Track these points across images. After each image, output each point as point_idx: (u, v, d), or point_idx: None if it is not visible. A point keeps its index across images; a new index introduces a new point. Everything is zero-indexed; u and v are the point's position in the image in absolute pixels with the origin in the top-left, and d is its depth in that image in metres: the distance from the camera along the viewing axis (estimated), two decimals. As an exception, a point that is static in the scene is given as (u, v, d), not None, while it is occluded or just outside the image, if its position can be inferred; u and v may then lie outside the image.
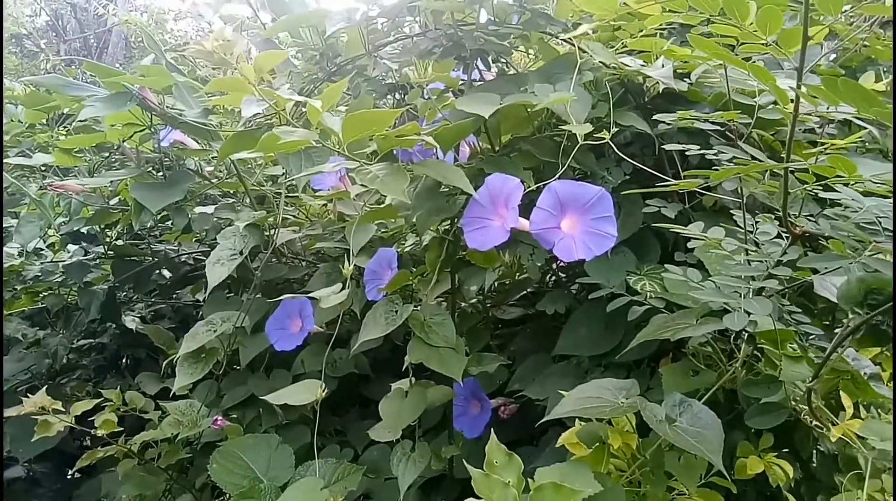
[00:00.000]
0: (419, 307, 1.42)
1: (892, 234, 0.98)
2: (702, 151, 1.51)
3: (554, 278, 1.93)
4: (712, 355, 1.24)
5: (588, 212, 1.17)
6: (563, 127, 1.26)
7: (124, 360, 2.56)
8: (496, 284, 1.92)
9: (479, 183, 1.27)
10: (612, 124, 1.29)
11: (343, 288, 1.32)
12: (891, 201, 1.01)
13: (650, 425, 1.03)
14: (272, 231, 1.72)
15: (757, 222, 1.16)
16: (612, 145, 1.25)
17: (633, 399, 1.09)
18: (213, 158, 1.94)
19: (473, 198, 1.25)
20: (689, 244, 1.38)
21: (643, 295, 1.33)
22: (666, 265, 1.26)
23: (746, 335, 1.16)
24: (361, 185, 1.38)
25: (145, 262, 2.09)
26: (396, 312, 1.38)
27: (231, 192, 2.08)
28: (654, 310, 1.30)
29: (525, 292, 1.91)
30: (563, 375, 1.51)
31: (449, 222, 1.52)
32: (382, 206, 1.53)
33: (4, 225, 2.02)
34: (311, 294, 1.35)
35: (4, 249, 2.05)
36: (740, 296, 1.08)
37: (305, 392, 1.33)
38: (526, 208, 1.19)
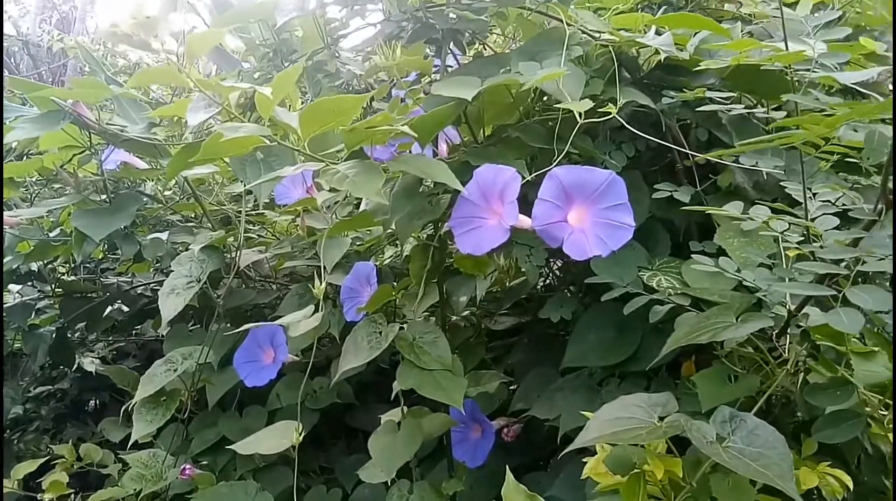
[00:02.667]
0: (406, 326, 1.21)
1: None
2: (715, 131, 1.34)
3: (547, 281, 1.73)
4: (755, 356, 1.04)
5: (598, 200, 0.97)
6: (559, 106, 1.06)
7: (90, 405, 2.32)
8: (485, 292, 1.72)
9: (466, 178, 1.07)
10: (614, 99, 1.10)
11: (316, 311, 1.11)
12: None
13: (700, 448, 0.84)
14: (235, 253, 1.50)
15: (814, 196, 0.96)
16: (621, 120, 1.06)
17: (673, 418, 0.89)
18: (161, 177, 1.72)
19: (462, 195, 1.05)
20: (719, 232, 1.20)
21: (663, 293, 1.14)
22: (694, 256, 1.07)
23: (801, 330, 0.97)
24: (330, 190, 1.18)
25: (97, 298, 1.86)
26: (380, 333, 1.17)
27: (193, 215, 1.86)
28: (678, 309, 1.11)
29: (519, 299, 1.70)
30: (573, 389, 1.31)
31: (433, 226, 1.32)
32: (355, 215, 1.31)
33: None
34: (279, 320, 1.14)
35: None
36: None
37: (279, 437, 1.12)
38: (520, 205, 0.99)
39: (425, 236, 1.32)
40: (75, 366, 2.07)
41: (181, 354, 1.42)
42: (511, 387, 1.66)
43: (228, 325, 1.82)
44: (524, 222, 1.01)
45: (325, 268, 1.60)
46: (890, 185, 0.84)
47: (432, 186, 1.22)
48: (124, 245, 1.54)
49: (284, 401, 1.62)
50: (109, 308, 1.99)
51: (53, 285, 1.82)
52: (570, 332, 1.48)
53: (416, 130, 1.10)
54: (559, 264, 1.60)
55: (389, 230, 1.25)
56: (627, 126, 1.09)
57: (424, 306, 1.35)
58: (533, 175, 1.06)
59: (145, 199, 1.67)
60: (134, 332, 2.08)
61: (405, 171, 1.09)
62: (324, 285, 1.13)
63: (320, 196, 1.17)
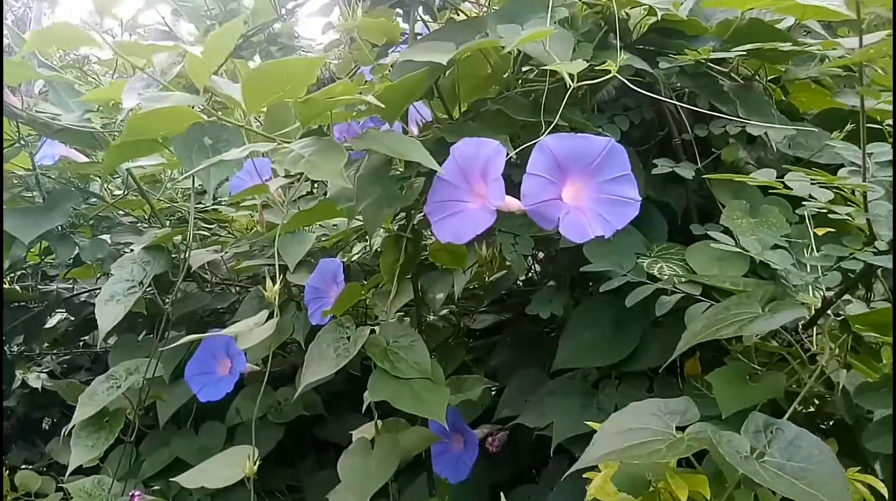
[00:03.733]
0: (378, 328, 1.05)
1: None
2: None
3: (528, 274, 1.57)
4: (780, 350, 0.89)
5: (597, 173, 0.82)
6: (548, 67, 0.90)
7: (42, 424, 2.11)
8: (462, 288, 1.56)
9: (442, 157, 0.91)
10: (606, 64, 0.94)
11: (270, 317, 0.94)
12: None
13: (733, 463, 0.68)
14: (186, 253, 1.32)
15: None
16: (624, 80, 0.91)
17: (696, 429, 0.74)
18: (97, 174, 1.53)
19: (438, 176, 0.89)
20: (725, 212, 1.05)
21: (667, 281, 0.99)
22: (709, 234, 0.92)
23: (840, 320, 0.82)
24: (286, 175, 1.01)
25: (35, 307, 1.66)
26: (348, 338, 1.00)
27: (144, 214, 1.67)
28: (688, 300, 0.96)
29: (500, 295, 1.55)
30: (566, 393, 1.15)
31: (405, 214, 1.16)
32: (315, 205, 1.15)
33: None
34: (227, 330, 0.96)
35: None
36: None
37: (233, 465, 0.95)
38: (506, 187, 0.84)
39: (397, 226, 1.16)
40: (19, 382, 1.87)
41: (125, 368, 1.24)
42: (493, 391, 1.51)
43: (184, 333, 1.65)
44: (512, 203, 0.86)
45: (276, 268, 1.46)
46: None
47: (403, 168, 1.06)
48: (59, 247, 1.36)
49: (245, 415, 1.44)
50: (56, 318, 1.79)
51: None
52: (556, 329, 1.32)
53: (384, 101, 0.94)
54: (541, 256, 1.44)
55: (357, 222, 1.08)
56: (635, 87, 0.93)
57: (398, 305, 1.19)
58: (518, 150, 0.90)
59: (86, 196, 1.48)
60: (81, 343, 1.88)
61: (371, 149, 0.93)
62: (277, 287, 0.96)
63: (275, 183, 1.00)
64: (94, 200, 1.52)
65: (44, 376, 1.90)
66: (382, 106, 0.87)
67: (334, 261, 1.34)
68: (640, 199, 0.82)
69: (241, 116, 0.89)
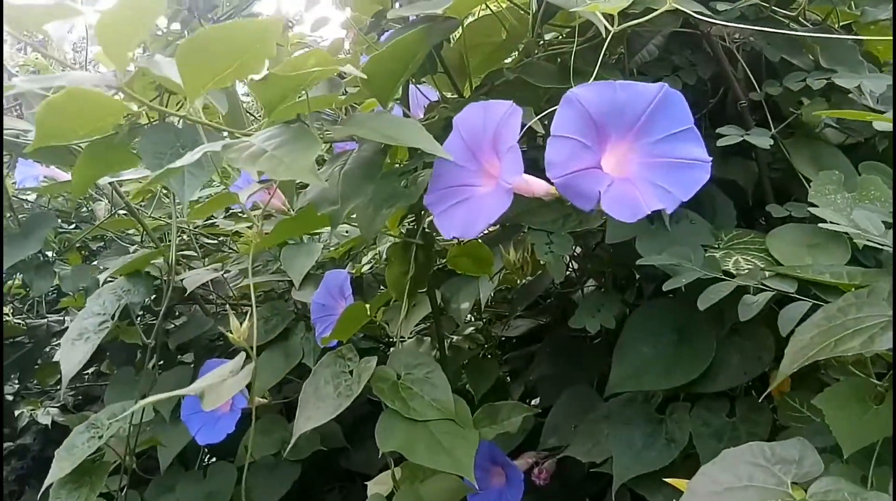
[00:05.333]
0: (392, 352, 0.83)
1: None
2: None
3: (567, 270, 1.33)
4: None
5: (647, 130, 0.59)
6: (578, 10, 0.68)
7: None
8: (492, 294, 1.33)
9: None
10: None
11: (248, 361, 0.74)
12: None
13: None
14: (169, 275, 1.13)
15: None
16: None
17: (824, 486, 0.50)
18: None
19: (439, 158, 0.67)
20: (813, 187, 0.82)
21: (752, 276, 0.75)
22: (815, 210, 0.69)
23: None
24: (258, 180, 0.81)
25: (28, 342, 1.50)
26: (351, 372, 0.79)
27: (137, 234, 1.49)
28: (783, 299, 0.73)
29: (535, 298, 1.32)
30: (625, 418, 0.92)
31: (414, 215, 0.94)
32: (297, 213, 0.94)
33: None
34: (190, 389, 0.75)
35: None
36: None
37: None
38: (528, 168, 0.62)
39: (405, 229, 0.95)
40: (28, 419, 1.71)
41: (108, 414, 1.04)
42: (533, 401, 1.28)
43: (192, 364, 1.46)
44: (535, 184, 0.64)
45: (291, 281, 1.27)
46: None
47: (407, 159, 0.85)
48: (36, 279, 1.18)
49: (256, 453, 1.24)
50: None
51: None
52: (603, 334, 1.09)
53: (371, 77, 0.73)
54: (578, 251, 1.19)
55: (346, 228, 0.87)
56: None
57: (411, 324, 0.98)
58: (542, 116, 0.69)
59: (68, 218, 1.30)
60: (92, 371, 1.71)
61: (359, 137, 0.72)
62: (244, 327, 0.76)
63: (244, 193, 0.80)
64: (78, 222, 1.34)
65: (54, 410, 1.74)
66: (364, 76, 0.65)
67: (340, 273, 1.14)
68: (710, 159, 0.59)
69: (194, 106, 0.69)
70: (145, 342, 1.02)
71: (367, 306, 0.97)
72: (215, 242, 1.51)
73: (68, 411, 1.81)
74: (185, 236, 1.44)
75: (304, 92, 0.73)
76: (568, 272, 1.31)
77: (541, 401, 1.17)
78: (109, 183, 1.29)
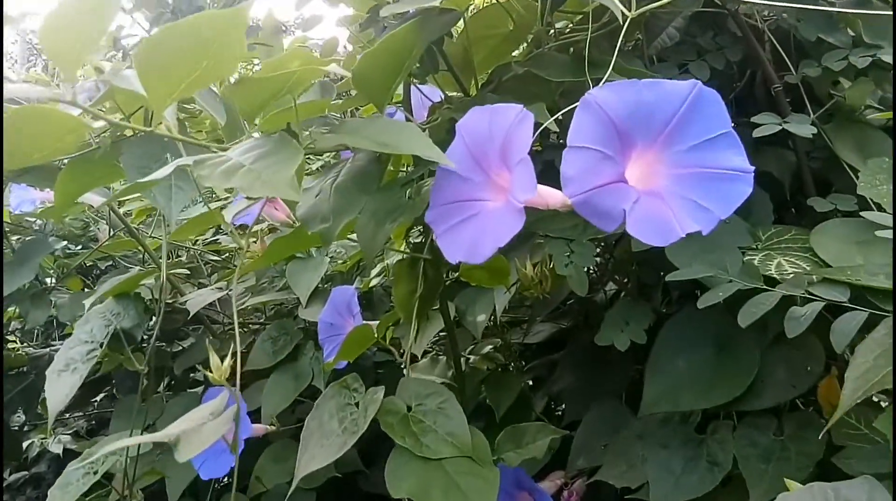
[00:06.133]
0: (402, 381, 0.76)
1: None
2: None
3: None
4: None
5: (678, 136, 0.51)
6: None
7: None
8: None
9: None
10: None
11: (227, 406, 0.67)
12: None
13: None
14: (160, 296, 1.06)
15: None
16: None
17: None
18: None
19: (441, 169, 0.60)
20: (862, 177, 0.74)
21: (797, 283, 0.67)
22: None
23: None
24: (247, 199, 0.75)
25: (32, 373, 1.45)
26: (356, 405, 0.72)
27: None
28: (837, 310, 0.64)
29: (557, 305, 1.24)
30: (661, 438, 0.84)
31: (421, 228, 0.87)
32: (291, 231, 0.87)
33: None
34: (164, 433, 0.68)
35: None
36: None
37: None
38: (543, 176, 0.54)
39: (411, 243, 0.88)
40: (38, 449, 1.67)
41: (106, 445, 0.98)
42: (558, 411, 1.20)
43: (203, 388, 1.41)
44: (550, 195, 0.56)
45: (301, 301, 1.20)
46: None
47: (411, 168, 0.78)
48: (32, 310, 1.12)
49: (269, 481, 1.18)
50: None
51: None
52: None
53: (362, 77, 0.66)
54: (598, 250, 1.10)
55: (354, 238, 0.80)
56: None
57: (424, 342, 0.91)
58: (557, 116, 0.61)
59: (66, 243, 1.25)
60: (103, 396, 1.66)
61: (351, 145, 0.64)
62: (225, 364, 0.69)
63: (229, 211, 0.74)
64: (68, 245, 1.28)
65: (66, 438, 1.69)
66: (348, 75, 0.58)
67: (347, 289, 1.08)
68: (752, 169, 0.51)
69: (169, 120, 0.62)
70: (138, 368, 0.96)
71: (375, 325, 0.91)
72: (221, 258, 1.45)
73: (81, 437, 1.77)
74: (186, 255, 1.39)
75: (291, 97, 0.66)
76: (590, 272, 1.23)
77: (566, 415, 1.09)
78: (107, 203, 1.24)
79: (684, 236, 0.47)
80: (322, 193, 0.65)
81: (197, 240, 1.48)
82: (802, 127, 0.75)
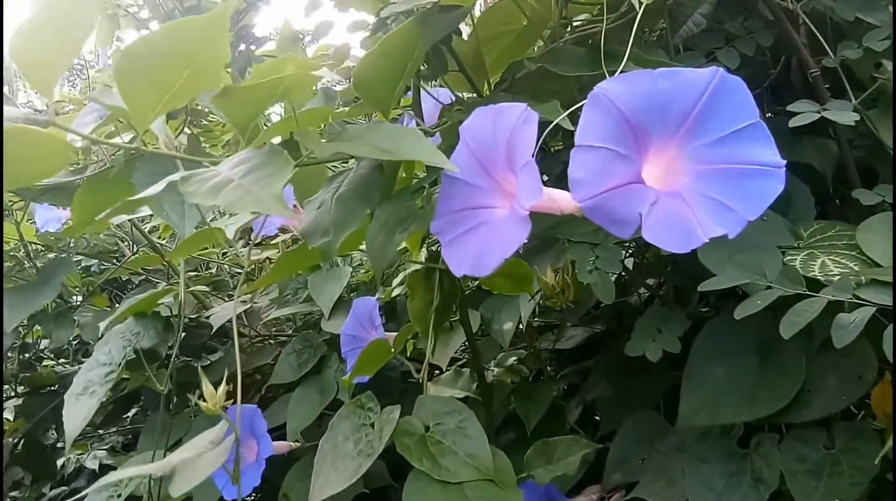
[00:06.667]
0: (419, 399, 0.73)
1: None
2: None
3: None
4: None
5: (700, 129, 0.46)
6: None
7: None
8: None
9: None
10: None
11: (228, 433, 0.64)
12: None
13: None
14: (179, 314, 1.04)
15: None
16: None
17: None
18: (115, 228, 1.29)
19: (446, 175, 0.56)
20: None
21: (844, 286, 0.61)
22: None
23: None
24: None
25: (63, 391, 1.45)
26: (372, 425, 0.69)
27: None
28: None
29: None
30: (701, 452, 0.79)
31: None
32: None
33: None
34: (161, 464, 0.66)
35: None
36: None
37: None
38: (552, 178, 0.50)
39: (426, 253, 0.84)
40: (74, 466, 1.68)
41: (129, 467, 0.97)
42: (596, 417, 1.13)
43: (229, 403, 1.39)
44: (559, 198, 0.52)
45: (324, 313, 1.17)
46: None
47: (413, 172, 0.74)
48: (55, 329, 1.12)
49: (297, 498, 1.14)
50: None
51: (16, 382, 1.43)
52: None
53: (361, 82, 0.62)
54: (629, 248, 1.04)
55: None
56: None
57: (449, 353, 0.87)
58: (570, 112, 0.56)
59: (89, 260, 1.24)
60: (127, 418, 1.67)
61: (350, 153, 0.61)
62: (220, 392, 0.66)
63: (231, 227, 0.71)
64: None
65: (102, 453, 1.70)
66: (337, 78, 0.54)
67: (368, 301, 1.04)
68: (784, 163, 0.46)
69: (159, 135, 0.60)
70: (158, 389, 0.94)
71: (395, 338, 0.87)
72: (248, 271, 1.44)
73: (117, 452, 1.77)
74: (213, 269, 1.37)
75: (292, 107, 0.63)
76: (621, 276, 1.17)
77: (601, 426, 1.03)
78: (129, 219, 1.23)
79: (707, 240, 0.42)
80: (324, 204, 0.62)
81: (226, 252, 1.47)
82: (844, 114, 0.69)
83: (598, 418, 1.16)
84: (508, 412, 1.09)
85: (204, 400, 0.65)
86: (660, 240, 0.43)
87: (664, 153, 0.46)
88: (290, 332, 1.42)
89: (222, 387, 0.65)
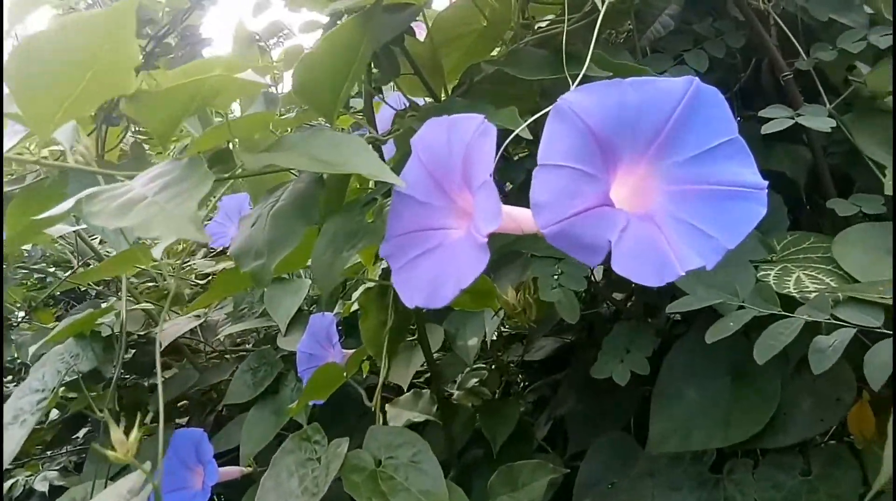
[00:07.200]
0: (370, 430, 0.66)
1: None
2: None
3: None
4: None
5: (672, 145, 0.41)
6: None
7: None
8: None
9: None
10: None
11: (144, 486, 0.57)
12: None
13: None
14: (121, 333, 0.96)
15: None
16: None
17: None
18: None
19: (397, 192, 0.50)
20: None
21: (820, 304, 0.57)
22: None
23: None
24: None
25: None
26: (319, 460, 0.62)
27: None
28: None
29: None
30: (672, 482, 0.74)
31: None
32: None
33: None
34: None
35: None
36: None
37: None
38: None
39: (380, 271, 0.78)
40: (21, 489, 1.58)
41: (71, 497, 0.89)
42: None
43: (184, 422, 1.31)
44: (523, 219, 0.46)
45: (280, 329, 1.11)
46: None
47: (373, 186, 0.68)
48: (-11, 348, 1.03)
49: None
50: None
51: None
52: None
53: (302, 86, 0.56)
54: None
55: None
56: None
57: (410, 372, 0.81)
58: (534, 120, 0.51)
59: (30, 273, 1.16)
60: (76, 437, 1.58)
61: (284, 165, 0.54)
62: (132, 438, 0.59)
63: (158, 247, 0.64)
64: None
65: (53, 474, 1.60)
66: (262, 81, 0.48)
67: (325, 317, 0.98)
68: (765, 185, 0.41)
69: (65, 145, 0.53)
70: (97, 415, 0.87)
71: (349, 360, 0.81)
72: (203, 284, 1.36)
73: (69, 472, 1.67)
74: (163, 282, 1.29)
75: (223, 113, 0.57)
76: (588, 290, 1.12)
77: (570, 445, 0.98)
78: (74, 230, 1.15)
79: (683, 274, 0.37)
80: (259, 221, 0.55)
81: (188, 263, 1.39)
82: (819, 119, 0.65)
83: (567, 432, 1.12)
84: (475, 427, 1.04)
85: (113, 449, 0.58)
86: (631, 272, 0.37)
87: (634, 171, 0.41)
88: (251, 346, 1.35)
89: (134, 432, 0.58)
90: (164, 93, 0.47)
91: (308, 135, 0.54)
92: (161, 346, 1.10)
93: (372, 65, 0.71)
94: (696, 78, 0.41)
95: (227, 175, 0.55)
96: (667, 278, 0.37)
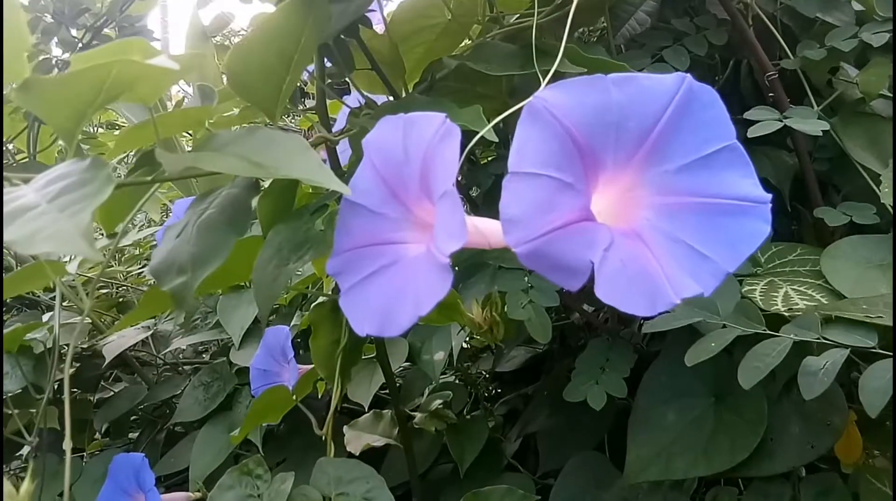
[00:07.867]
0: (319, 462, 0.59)
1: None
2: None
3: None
4: None
5: (662, 151, 0.35)
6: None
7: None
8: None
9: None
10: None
11: None
12: None
13: None
14: (52, 350, 0.88)
15: None
16: None
17: None
18: None
19: (345, 200, 0.43)
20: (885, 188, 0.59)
21: (810, 323, 0.51)
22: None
23: None
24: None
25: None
26: (260, 497, 0.55)
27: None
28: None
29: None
30: (649, 505, 0.68)
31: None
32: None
33: None
34: None
35: None
36: None
37: None
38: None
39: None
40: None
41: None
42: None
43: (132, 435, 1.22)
44: (491, 233, 0.40)
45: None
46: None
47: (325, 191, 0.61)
48: None
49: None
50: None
51: None
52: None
53: (237, 79, 0.49)
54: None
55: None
56: None
57: (367, 395, 0.74)
58: (501, 119, 0.44)
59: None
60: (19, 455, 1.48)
61: (210, 168, 0.46)
62: (23, 492, 0.51)
63: (73, 264, 0.56)
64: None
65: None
66: (174, 66, 0.40)
67: (280, 330, 0.91)
68: (769, 198, 0.35)
69: None
70: (25, 440, 0.78)
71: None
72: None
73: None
74: (112, 291, 1.20)
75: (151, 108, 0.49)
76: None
77: (542, 464, 0.92)
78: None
79: (679, 302, 0.31)
80: (185, 231, 0.48)
81: (140, 271, 1.30)
82: (809, 122, 0.59)
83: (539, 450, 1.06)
84: (443, 444, 0.97)
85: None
86: (619, 301, 0.31)
87: (618, 181, 0.35)
88: (209, 357, 1.26)
89: (25, 485, 0.50)
90: (62, 80, 0.39)
91: (242, 133, 0.47)
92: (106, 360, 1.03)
93: (325, 59, 0.64)
94: (688, 75, 0.35)
95: (150, 178, 0.47)
96: (660, 306, 0.31)
